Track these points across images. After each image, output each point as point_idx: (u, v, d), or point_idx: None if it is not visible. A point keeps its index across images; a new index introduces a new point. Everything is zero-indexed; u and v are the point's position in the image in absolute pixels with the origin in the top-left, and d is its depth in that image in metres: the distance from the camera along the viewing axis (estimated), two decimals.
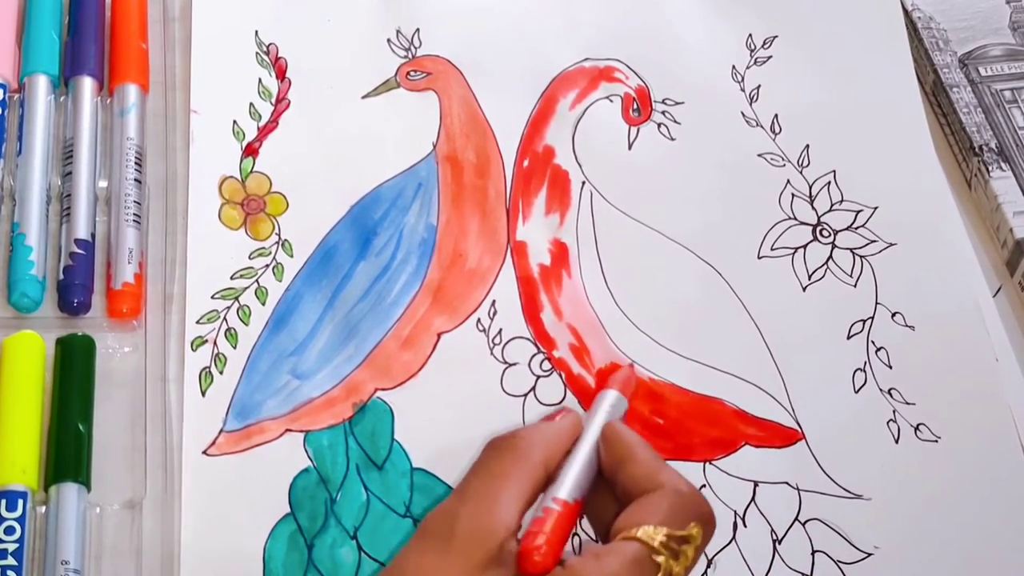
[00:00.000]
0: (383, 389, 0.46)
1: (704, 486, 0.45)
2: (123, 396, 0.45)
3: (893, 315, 0.50)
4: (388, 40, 0.55)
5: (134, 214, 0.48)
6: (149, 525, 0.43)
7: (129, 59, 0.52)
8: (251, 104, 0.52)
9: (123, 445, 0.44)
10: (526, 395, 0.47)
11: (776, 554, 0.45)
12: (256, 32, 0.54)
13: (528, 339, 0.48)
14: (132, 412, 0.45)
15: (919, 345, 0.49)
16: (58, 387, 0.45)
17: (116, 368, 0.46)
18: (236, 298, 0.47)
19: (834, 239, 0.52)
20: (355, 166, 0.51)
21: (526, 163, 0.52)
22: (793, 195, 0.53)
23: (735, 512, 0.45)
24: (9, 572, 0.41)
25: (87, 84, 0.52)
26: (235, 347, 0.46)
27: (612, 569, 0.36)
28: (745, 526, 0.45)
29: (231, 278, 0.48)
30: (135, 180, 0.49)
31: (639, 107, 0.54)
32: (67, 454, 0.43)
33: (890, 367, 0.49)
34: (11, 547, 0.41)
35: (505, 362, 0.48)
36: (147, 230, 0.49)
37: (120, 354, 0.46)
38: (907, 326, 0.50)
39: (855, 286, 0.51)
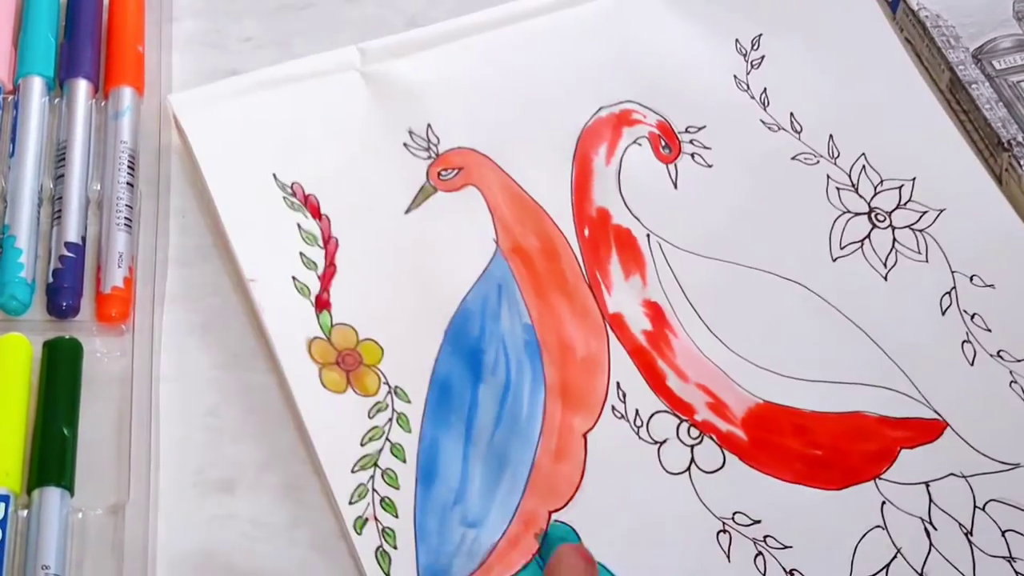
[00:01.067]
0: (556, 510, 0.45)
1: (884, 503, 0.46)
2: (110, 401, 0.45)
3: (971, 278, 0.52)
4: (405, 144, 0.52)
5: (125, 218, 0.48)
6: (131, 530, 0.42)
7: (125, 62, 0.53)
8: (301, 254, 0.49)
9: (109, 450, 0.44)
10: (688, 469, 0.46)
11: (971, 546, 0.46)
12: (274, 176, 0.51)
13: (666, 411, 0.48)
14: (119, 417, 0.44)
15: (1006, 301, 0.51)
16: (44, 390, 0.44)
17: (104, 372, 0.46)
18: (375, 464, 0.45)
19: (891, 221, 0.53)
20: (427, 287, 0.49)
21: (587, 232, 0.51)
22: (838, 188, 0.53)
23: (921, 519, 0.46)
24: None
25: (82, 86, 0.52)
26: (397, 516, 0.44)
27: None
28: (936, 528, 0.46)
29: (361, 445, 0.46)
30: (127, 184, 0.49)
31: (667, 143, 0.54)
32: (51, 458, 0.43)
33: (989, 330, 0.51)
34: None
35: (655, 441, 0.47)
36: (138, 233, 0.48)
37: (108, 358, 0.46)
38: (988, 286, 0.51)
39: (927, 260, 0.52)
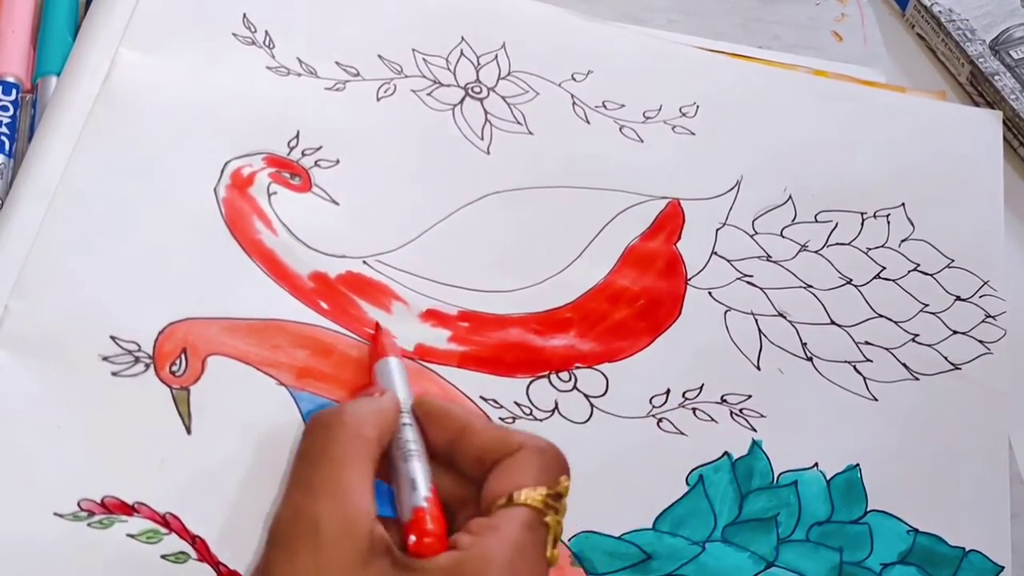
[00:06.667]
0: None
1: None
2: None
3: None
4: None
5: None
6: None
7: None
8: None
9: None
10: (592, 410, 0.50)
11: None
12: None
13: (533, 379, 0.50)
14: None
15: None
16: None
17: None
18: None
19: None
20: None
21: (324, 304, 0.49)
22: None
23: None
24: None
25: None
26: None
27: (512, 538, 0.38)
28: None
29: None
30: None
31: (290, 173, 0.51)
32: None
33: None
34: None
35: (551, 410, 0.49)
36: None
37: None
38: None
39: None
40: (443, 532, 0.39)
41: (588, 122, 0.56)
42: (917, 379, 0.53)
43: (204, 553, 0.43)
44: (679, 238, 0.54)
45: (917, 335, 0.54)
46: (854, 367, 0.53)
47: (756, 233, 0.55)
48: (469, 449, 0.41)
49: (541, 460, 0.41)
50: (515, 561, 0.38)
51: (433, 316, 0.50)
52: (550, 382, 0.50)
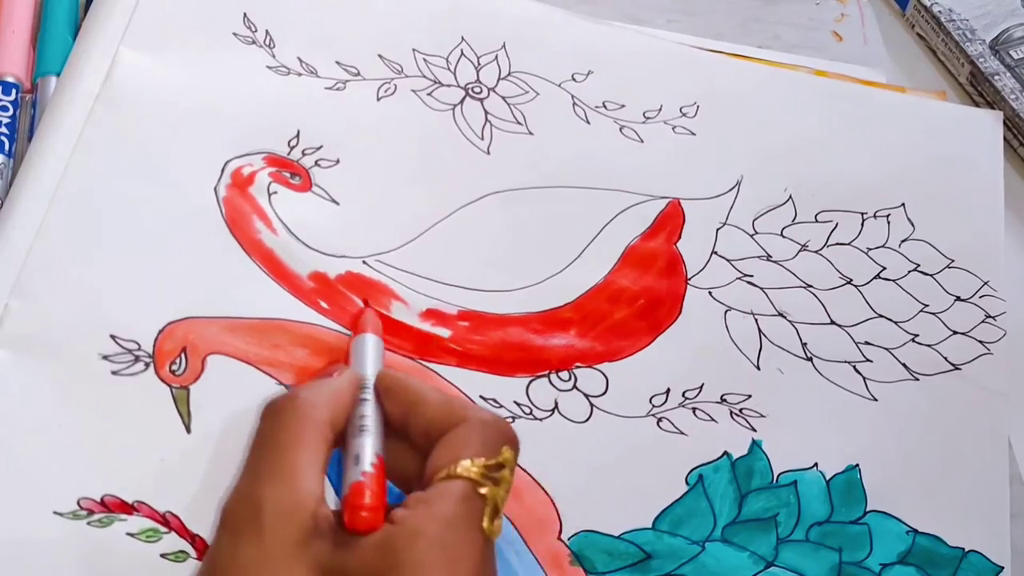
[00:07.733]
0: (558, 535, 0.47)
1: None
2: None
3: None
4: None
5: None
6: None
7: None
8: None
9: None
10: (591, 410, 0.50)
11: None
12: None
13: (533, 378, 0.50)
14: None
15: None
16: None
17: None
18: None
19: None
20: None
21: (324, 304, 0.49)
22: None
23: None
24: None
25: None
26: None
27: (444, 511, 0.38)
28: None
29: None
30: None
31: (290, 172, 0.51)
32: None
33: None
34: None
35: (550, 410, 0.49)
36: None
37: None
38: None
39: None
40: (380, 505, 0.38)
41: (588, 122, 0.56)
42: (917, 379, 0.53)
43: (203, 552, 0.43)
44: (679, 238, 0.54)
45: (917, 335, 0.54)
46: (854, 367, 0.53)
47: (756, 233, 0.55)
48: (419, 422, 0.41)
49: (483, 432, 0.40)
50: (446, 534, 0.37)
51: (433, 316, 0.50)
52: (550, 382, 0.50)
